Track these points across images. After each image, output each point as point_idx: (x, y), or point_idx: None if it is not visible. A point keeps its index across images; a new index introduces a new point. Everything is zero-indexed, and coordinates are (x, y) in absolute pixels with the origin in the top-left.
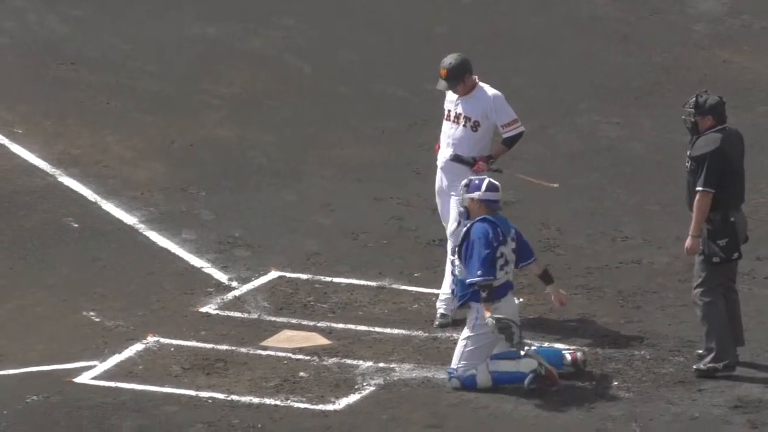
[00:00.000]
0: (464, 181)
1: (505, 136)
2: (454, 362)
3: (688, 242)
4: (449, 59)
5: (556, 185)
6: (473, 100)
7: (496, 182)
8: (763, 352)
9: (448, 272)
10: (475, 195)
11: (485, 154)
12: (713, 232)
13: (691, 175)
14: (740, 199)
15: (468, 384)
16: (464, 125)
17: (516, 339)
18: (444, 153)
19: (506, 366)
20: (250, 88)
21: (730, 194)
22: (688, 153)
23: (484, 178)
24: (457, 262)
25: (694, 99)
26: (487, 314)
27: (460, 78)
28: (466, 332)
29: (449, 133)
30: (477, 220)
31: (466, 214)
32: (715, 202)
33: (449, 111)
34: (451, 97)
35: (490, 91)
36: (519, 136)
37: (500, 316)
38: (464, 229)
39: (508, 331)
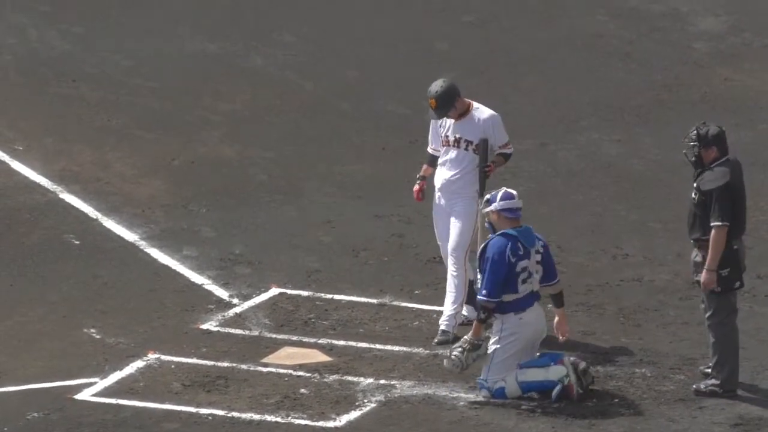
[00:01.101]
0: (485, 197)
1: (501, 152)
2: (484, 373)
3: (704, 277)
4: (435, 87)
5: None
6: (471, 122)
7: (512, 190)
8: (764, 370)
9: (450, 289)
10: (493, 207)
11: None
12: None
13: (698, 208)
14: (743, 229)
15: (497, 396)
16: (465, 149)
17: (458, 366)
18: (443, 175)
19: (535, 375)
20: (251, 105)
21: (734, 224)
22: (694, 185)
23: (500, 189)
24: (479, 276)
25: (694, 132)
26: (476, 335)
27: (450, 105)
28: (493, 343)
29: (449, 157)
30: (495, 236)
31: (492, 229)
32: None
33: (446, 136)
34: (445, 122)
35: (486, 112)
36: (511, 155)
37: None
38: (483, 244)
39: (461, 359)
